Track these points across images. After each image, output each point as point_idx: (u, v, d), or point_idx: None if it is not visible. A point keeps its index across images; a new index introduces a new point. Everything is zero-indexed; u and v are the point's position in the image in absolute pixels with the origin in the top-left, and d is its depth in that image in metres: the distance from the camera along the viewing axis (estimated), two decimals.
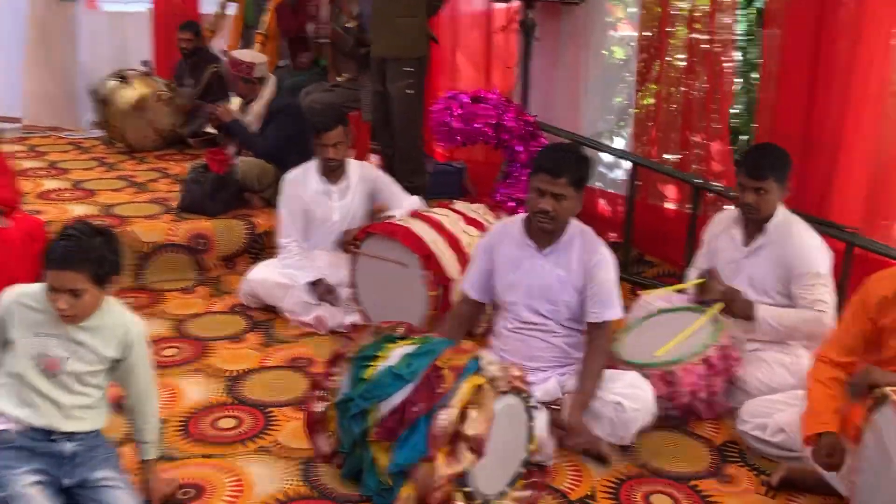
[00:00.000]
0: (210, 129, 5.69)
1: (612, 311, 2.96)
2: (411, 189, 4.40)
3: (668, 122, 4.60)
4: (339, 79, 5.69)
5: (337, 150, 4.02)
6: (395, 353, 2.68)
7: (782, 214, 3.37)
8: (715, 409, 3.20)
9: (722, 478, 2.85)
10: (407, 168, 4.96)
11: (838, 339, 2.85)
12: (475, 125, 4.07)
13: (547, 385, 3.00)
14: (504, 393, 2.51)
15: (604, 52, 4.91)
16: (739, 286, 3.41)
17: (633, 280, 4.49)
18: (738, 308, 3.31)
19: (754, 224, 3.40)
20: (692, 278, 3.64)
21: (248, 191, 4.87)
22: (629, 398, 2.86)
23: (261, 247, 4.67)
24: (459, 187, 5.51)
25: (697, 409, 3.17)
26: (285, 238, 4.13)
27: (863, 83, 3.73)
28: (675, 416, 3.17)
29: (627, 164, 4.77)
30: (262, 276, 4.03)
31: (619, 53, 5.01)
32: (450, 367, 2.52)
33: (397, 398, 2.52)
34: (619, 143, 4.85)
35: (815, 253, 3.28)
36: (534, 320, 3.04)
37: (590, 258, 2.96)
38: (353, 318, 3.97)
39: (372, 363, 2.68)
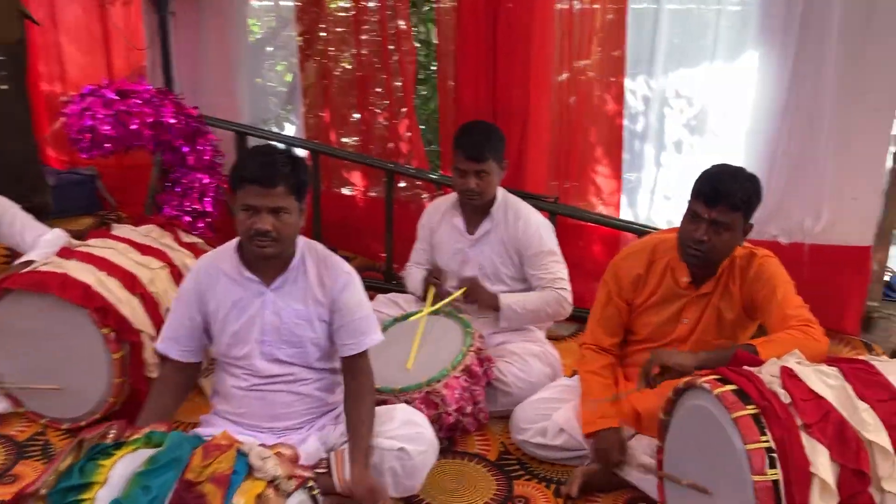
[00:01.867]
0: None
1: (372, 336, 2.46)
2: (31, 211, 3.35)
3: (342, 102, 4.16)
4: None
5: None
6: (117, 474, 1.89)
7: (502, 195, 3.18)
8: (479, 421, 2.91)
9: (515, 501, 2.56)
10: (20, 185, 3.83)
11: (598, 323, 2.74)
12: (131, 127, 3.18)
13: (307, 447, 2.41)
14: (290, 493, 1.90)
15: (253, 25, 4.26)
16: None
17: None
18: (481, 297, 3.06)
19: (477, 209, 3.15)
20: (413, 274, 3.32)
21: None
22: (412, 441, 2.40)
23: None
24: (94, 200, 4.49)
25: (464, 426, 2.85)
26: None
27: (539, 51, 3.66)
28: (441, 440, 2.81)
29: (304, 153, 4.24)
30: None
31: (258, 27, 4.36)
32: (210, 479, 1.83)
33: None
34: (290, 129, 4.27)
35: (544, 231, 3.15)
36: (276, 372, 2.42)
37: (333, 281, 2.41)
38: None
39: (84, 496, 1.86)
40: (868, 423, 1.93)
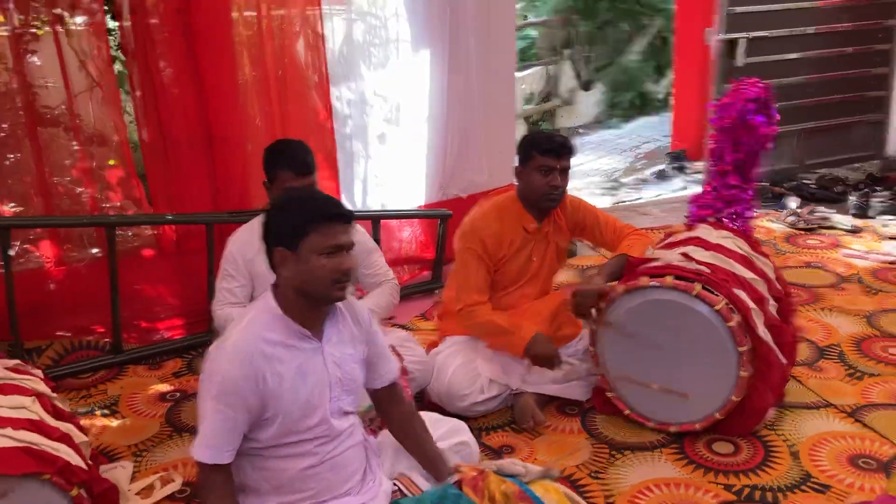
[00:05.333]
0: None
1: (394, 361, 2.46)
2: None
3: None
4: None
5: None
6: None
7: None
8: None
9: (504, 450, 2.92)
10: None
11: (471, 285, 3.13)
12: None
13: (385, 488, 2.33)
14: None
15: None
16: None
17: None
18: None
19: None
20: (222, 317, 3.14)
21: None
22: (461, 432, 2.55)
23: None
24: None
25: None
26: None
27: (227, 63, 3.63)
28: None
29: None
30: None
31: None
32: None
33: None
34: None
35: (363, 230, 3.33)
36: (345, 426, 2.25)
37: (361, 316, 2.31)
38: None
39: None
40: (743, 270, 2.97)
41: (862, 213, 5.31)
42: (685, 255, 2.98)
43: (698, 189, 6.10)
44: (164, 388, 3.42)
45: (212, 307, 3.16)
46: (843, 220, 5.18)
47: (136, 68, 3.49)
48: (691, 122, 6.95)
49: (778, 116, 3.61)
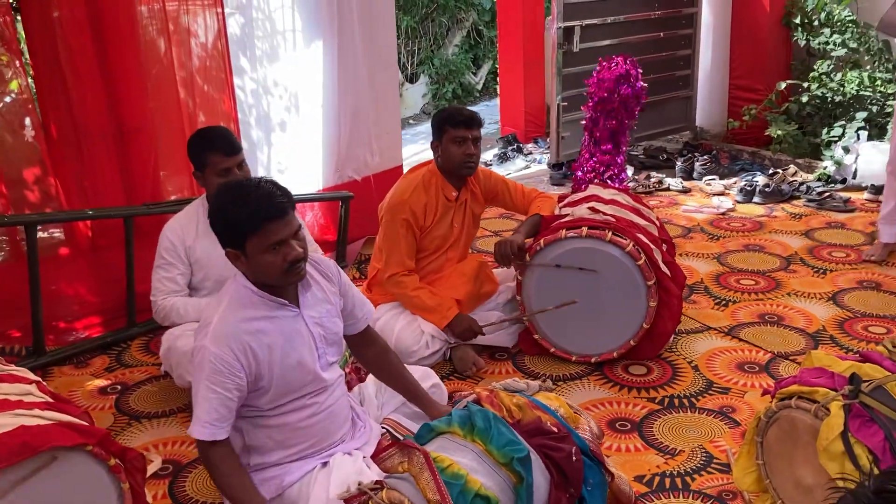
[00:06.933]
0: None
1: (368, 304, 2.63)
2: None
3: None
4: None
5: None
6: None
7: None
8: None
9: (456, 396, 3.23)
10: None
11: (402, 252, 3.41)
12: None
13: (375, 431, 2.56)
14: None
15: None
16: None
17: None
18: None
19: None
20: (193, 304, 3.22)
21: None
22: (431, 376, 2.83)
23: None
24: None
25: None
26: None
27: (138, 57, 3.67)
28: None
29: None
30: None
31: None
32: (523, 409, 2.19)
33: None
34: None
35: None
36: (333, 378, 2.41)
37: (328, 269, 2.45)
38: None
39: None
40: (637, 218, 3.48)
41: (688, 175, 6.11)
42: (592, 209, 3.44)
43: (542, 167, 6.77)
44: (101, 382, 3.40)
45: (152, 299, 3.18)
46: (675, 183, 5.94)
47: (40, 62, 3.42)
48: (518, 107, 7.53)
49: (645, 86, 4.21)
